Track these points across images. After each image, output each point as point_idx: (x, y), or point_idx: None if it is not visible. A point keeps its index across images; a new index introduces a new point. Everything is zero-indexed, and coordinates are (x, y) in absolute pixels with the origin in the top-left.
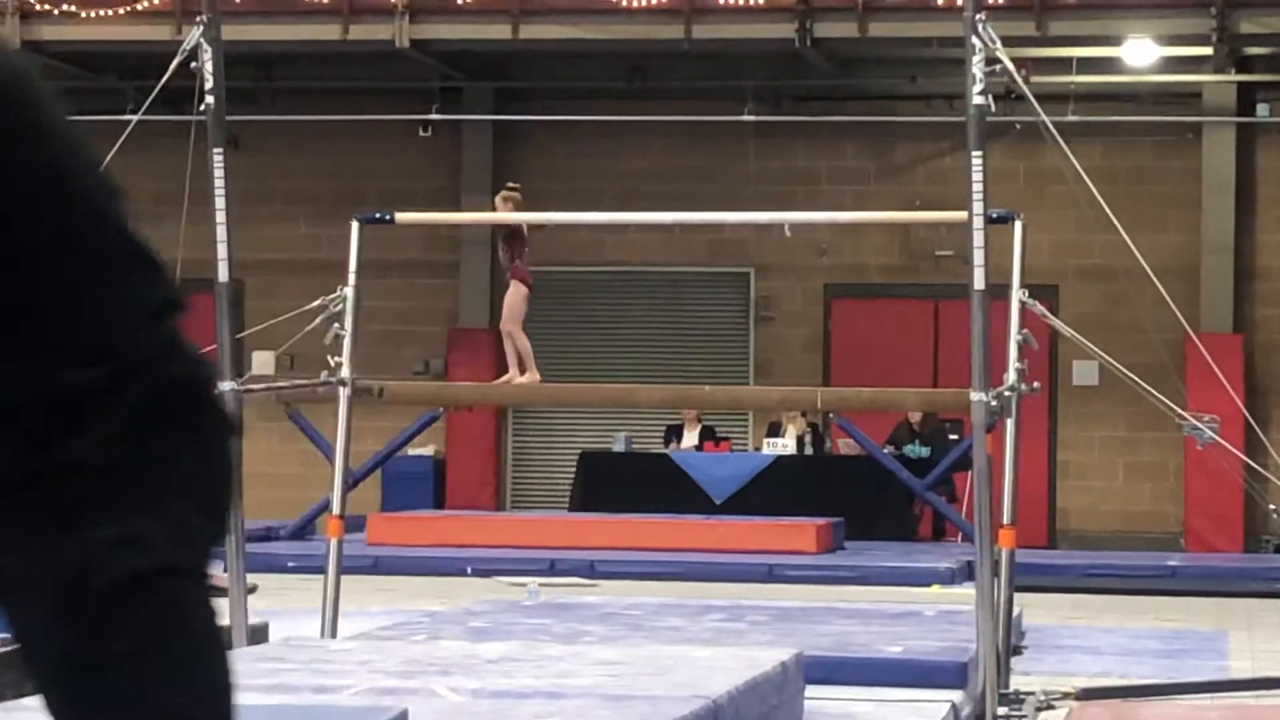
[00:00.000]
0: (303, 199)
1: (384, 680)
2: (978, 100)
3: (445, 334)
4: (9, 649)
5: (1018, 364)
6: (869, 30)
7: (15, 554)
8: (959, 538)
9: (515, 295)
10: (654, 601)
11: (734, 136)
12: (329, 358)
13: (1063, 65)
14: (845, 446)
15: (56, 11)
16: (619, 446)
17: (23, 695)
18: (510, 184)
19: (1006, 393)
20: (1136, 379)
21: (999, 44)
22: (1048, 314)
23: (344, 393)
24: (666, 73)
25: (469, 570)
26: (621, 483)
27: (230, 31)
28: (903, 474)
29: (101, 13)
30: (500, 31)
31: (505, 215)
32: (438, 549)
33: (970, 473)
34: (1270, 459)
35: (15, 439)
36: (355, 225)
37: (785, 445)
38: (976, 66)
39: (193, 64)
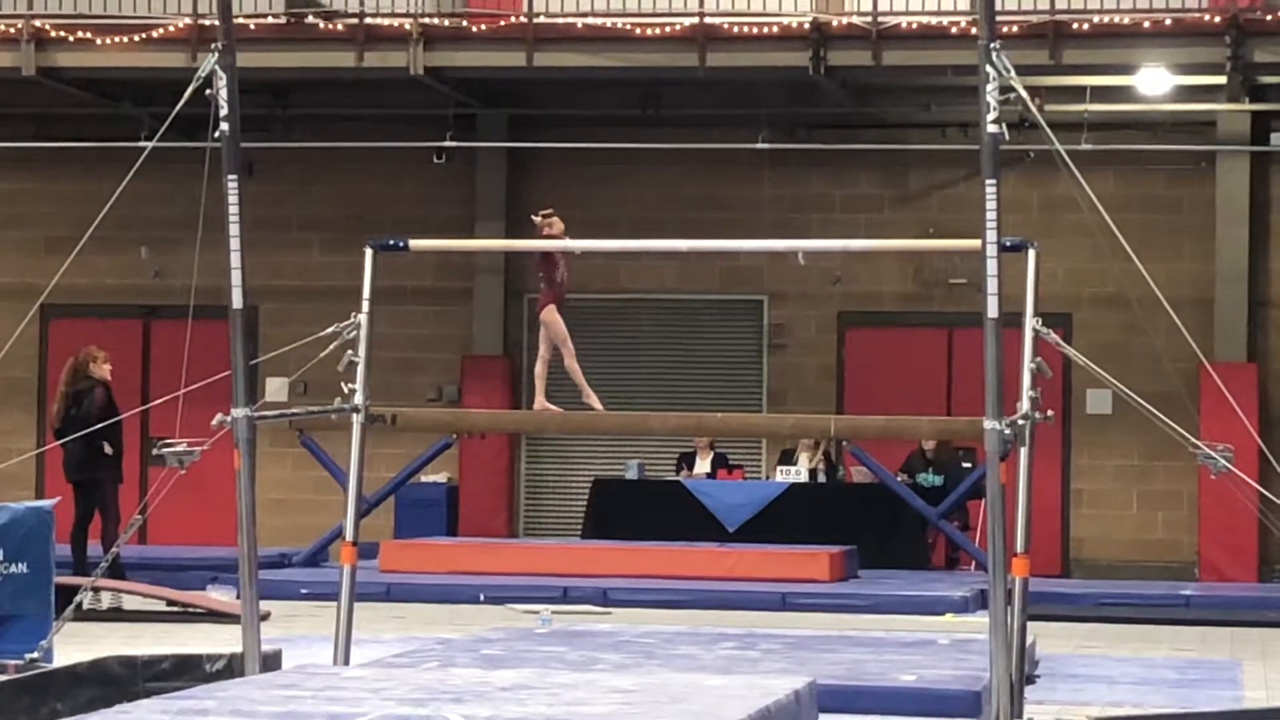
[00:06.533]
0: (317, 226)
1: (397, 708)
2: (992, 128)
3: (459, 361)
4: (24, 675)
5: (1031, 392)
6: (883, 58)
7: None
8: (972, 566)
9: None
10: (667, 629)
11: (748, 164)
12: (343, 384)
13: (1077, 94)
14: (858, 474)
15: (72, 39)
16: (632, 474)
17: None
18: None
19: (1020, 421)
20: (1150, 408)
21: (1013, 72)
22: (1061, 342)
23: (357, 419)
24: (681, 100)
25: (482, 597)
26: (634, 510)
27: (245, 59)
28: (916, 502)
29: (117, 40)
30: (515, 59)
31: (517, 243)
32: (450, 576)
33: (983, 501)
34: None
35: None
36: (369, 252)
37: (798, 473)
38: (991, 95)
39: (208, 91)
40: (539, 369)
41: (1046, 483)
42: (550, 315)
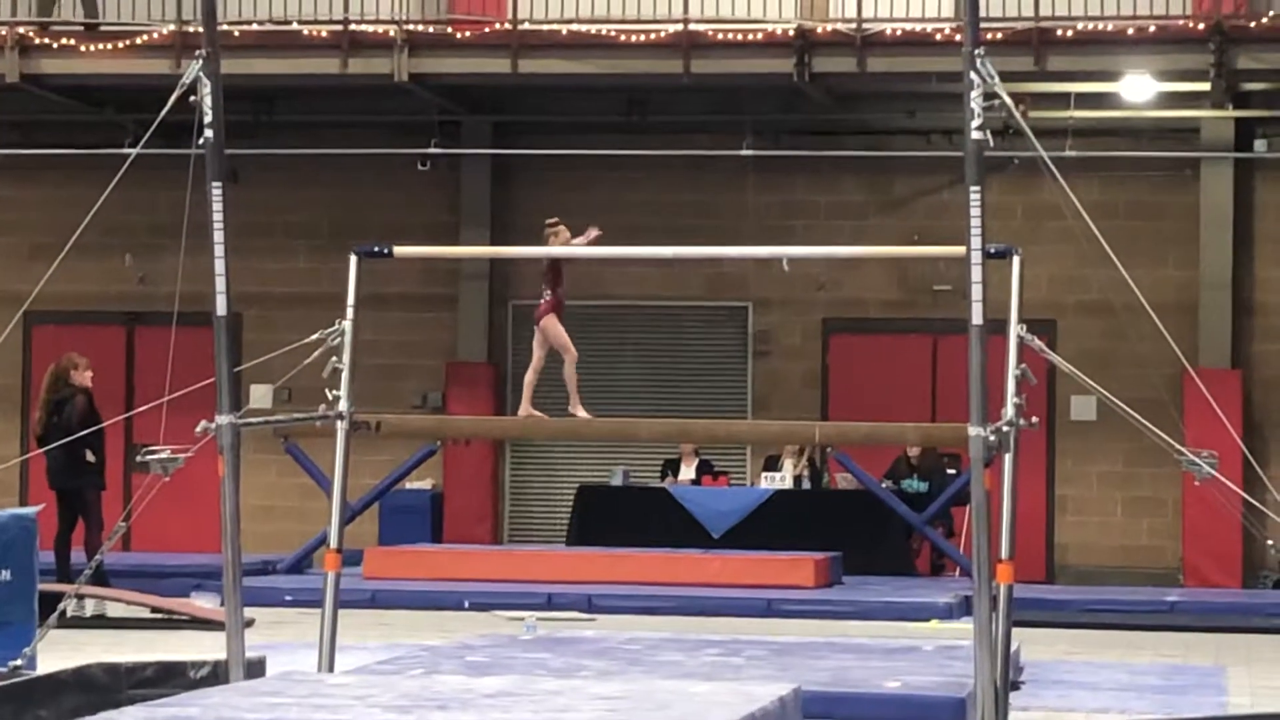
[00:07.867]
0: (301, 232)
1: (381, 715)
2: (976, 135)
3: (443, 368)
4: (8, 682)
5: (1016, 399)
6: (867, 65)
7: None
8: (957, 573)
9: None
10: (652, 636)
11: (733, 171)
12: (327, 391)
13: (1061, 100)
14: (843, 481)
15: (56, 45)
16: (617, 480)
17: None
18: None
19: (1005, 428)
20: (1135, 414)
21: (997, 79)
22: (1046, 349)
23: (341, 426)
24: (665, 107)
25: (466, 604)
26: (619, 516)
27: (229, 65)
28: (901, 509)
29: (101, 46)
30: (499, 65)
31: (502, 250)
32: (435, 583)
33: (968, 507)
34: (1269, 494)
35: None
36: (353, 259)
37: (783, 479)
38: (975, 101)
39: (192, 98)
40: (530, 377)
41: (1031, 489)
42: (551, 323)
